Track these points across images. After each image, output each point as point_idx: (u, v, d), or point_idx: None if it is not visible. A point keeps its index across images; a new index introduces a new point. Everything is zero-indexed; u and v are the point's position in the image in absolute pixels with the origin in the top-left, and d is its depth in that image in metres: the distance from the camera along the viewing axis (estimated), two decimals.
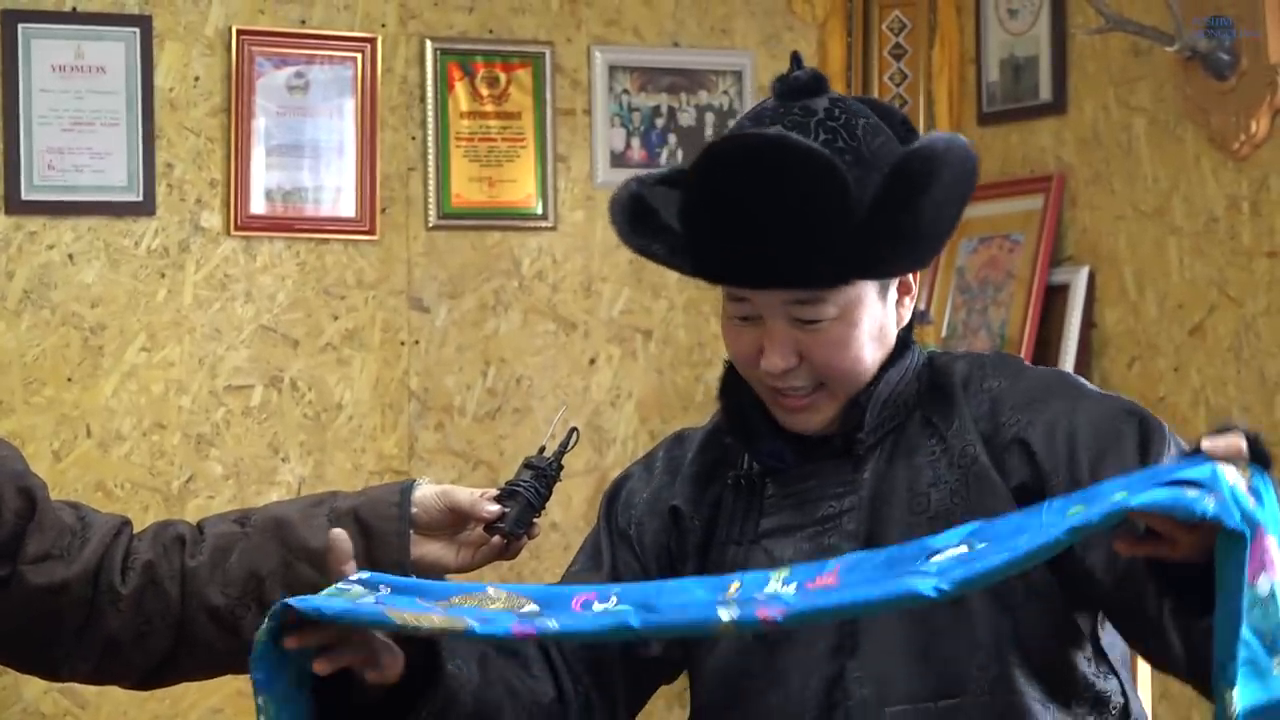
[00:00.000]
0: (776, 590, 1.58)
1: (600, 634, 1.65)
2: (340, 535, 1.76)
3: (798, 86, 1.88)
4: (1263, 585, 1.44)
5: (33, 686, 3.62)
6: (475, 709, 1.83)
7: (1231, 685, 1.43)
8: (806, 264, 1.81)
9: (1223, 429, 1.52)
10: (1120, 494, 1.49)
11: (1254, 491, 1.48)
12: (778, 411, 1.91)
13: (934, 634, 1.83)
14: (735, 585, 1.60)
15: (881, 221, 1.80)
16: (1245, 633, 1.43)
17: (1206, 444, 1.49)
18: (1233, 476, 1.47)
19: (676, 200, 1.87)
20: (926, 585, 1.51)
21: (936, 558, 1.55)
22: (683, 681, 2.07)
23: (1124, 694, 1.89)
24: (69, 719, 3.67)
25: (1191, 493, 1.44)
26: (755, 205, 1.80)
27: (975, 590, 1.57)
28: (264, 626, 1.66)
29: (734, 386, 1.97)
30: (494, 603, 1.70)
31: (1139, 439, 1.79)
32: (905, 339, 1.93)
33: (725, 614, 1.57)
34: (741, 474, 1.97)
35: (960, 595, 1.53)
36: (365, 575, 1.71)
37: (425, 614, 1.65)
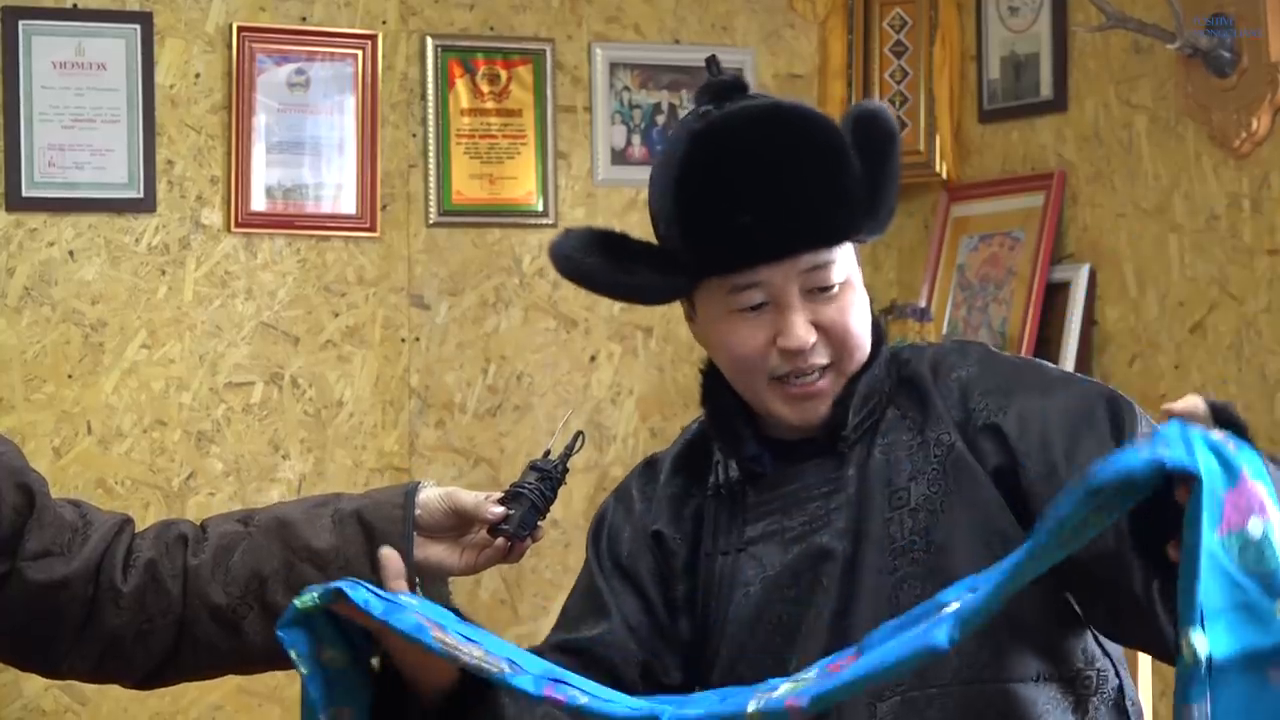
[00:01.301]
0: (803, 685, 1.59)
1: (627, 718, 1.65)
2: (391, 554, 1.78)
3: (734, 85, 1.92)
4: (1254, 527, 1.42)
5: (33, 683, 3.62)
6: None
7: (1191, 624, 1.41)
8: (826, 219, 1.85)
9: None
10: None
11: (1229, 440, 1.47)
12: (785, 406, 1.91)
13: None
14: (755, 702, 1.60)
15: (873, 169, 1.87)
16: (1239, 577, 1.41)
17: (1165, 406, 1.51)
18: (1199, 428, 1.47)
19: (621, 239, 1.89)
20: (940, 638, 1.51)
21: (947, 610, 1.55)
22: None
23: (1119, 675, 1.89)
24: (69, 716, 3.67)
25: (1160, 449, 1.42)
26: (771, 172, 1.83)
27: (982, 621, 1.55)
28: (308, 599, 1.68)
29: (715, 393, 1.98)
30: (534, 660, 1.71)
31: (1110, 417, 1.80)
32: (879, 335, 1.95)
33: (752, 704, 1.57)
34: (720, 484, 1.97)
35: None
36: (415, 601, 1.72)
37: (466, 644, 1.65)
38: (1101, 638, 1.89)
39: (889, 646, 1.56)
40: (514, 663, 1.66)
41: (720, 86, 1.92)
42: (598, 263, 1.88)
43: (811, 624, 1.87)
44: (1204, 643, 1.40)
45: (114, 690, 3.68)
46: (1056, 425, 1.82)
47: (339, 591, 1.66)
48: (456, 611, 1.75)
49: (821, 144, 1.85)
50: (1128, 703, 1.89)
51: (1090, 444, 1.78)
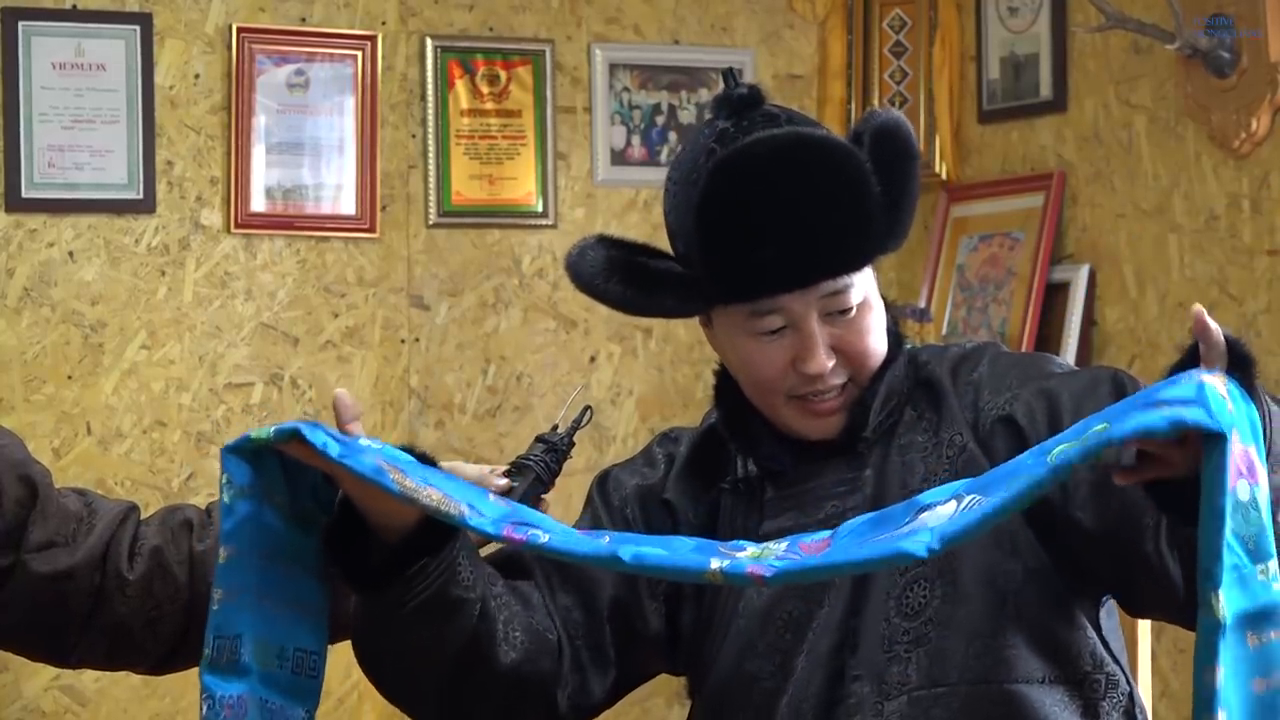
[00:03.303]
0: (768, 555, 1.60)
1: (589, 559, 1.65)
2: (344, 394, 1.76)
3: (751, 99, 1.92)
4: (1242, 491, 1.45)
5: (33, 684, 3.62)
6: (482, 598, 1.83)
7: (1217, 588, 1.43)
8: (847, 248, 1.86)
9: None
10: (1101, 425, 1.51)
11: (1230, 396, 1.49)
12: (801, 421, 1.91)
13: (928, 624, 1.83)
14: (717, 561, 1.61)
15: (892, 189, 1.87)
16: (1229, 538, 1.44)
17: (1197, 309, 1.56)
18: (1213, 381, 1.49)
19: (640, 266, 1.89)
20: (918, 546, 1.53)
21: (925, 514, 1.56)
22: (683, 679, 2.06)
23: (1129, 683, 1.89)
24: (69, 716, 3.67)
25: (1179, 409, 1.46)
26: (793, 206, 1.84)
27: (964, 543, 1.59)
28: (263, 433, 1.67)
29: (728, 394, 1.98)
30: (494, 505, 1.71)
31: (1114, 392, 1.82)
32: (897, 337, 1.95)
33: (715, 563, 1.59)
34: (740, 479, 1.97)
35: (949, 550, 1.56)
36: (376, 443, 1.71)
37: (426, 488, 1.65)
38: (1110, 644, 1.89)
39: (864, 544, 1.57)
40: (473, 507, 1.66)
41: (738, 100, 1.91)
42: (620, 291, 1.89)
43: (823, 622, 1.87)
44: (1222, 603, 1.42)
45: (114, 690, 3.69)
46: (1066, 407, 1.84)
47: (295, 431, 1.65)
48: (417, 455, 1.75)
49: (843, 176, 1.85)
50: (1137, 710, 1.90)
51: (1091, 408, 1.78)
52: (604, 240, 1.92)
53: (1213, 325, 1.56)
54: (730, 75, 1.96)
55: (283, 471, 1.73)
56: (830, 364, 1.87)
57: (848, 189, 1.85)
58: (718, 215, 1.85)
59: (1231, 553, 1.44)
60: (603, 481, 2.05)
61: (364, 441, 1.70)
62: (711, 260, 1.86)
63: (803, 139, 1.87)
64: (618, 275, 1.89)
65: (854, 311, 1.87)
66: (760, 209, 1.84)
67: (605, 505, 2.02)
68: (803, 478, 1.94)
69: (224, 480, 1.69)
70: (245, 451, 1.70)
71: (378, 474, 1.64)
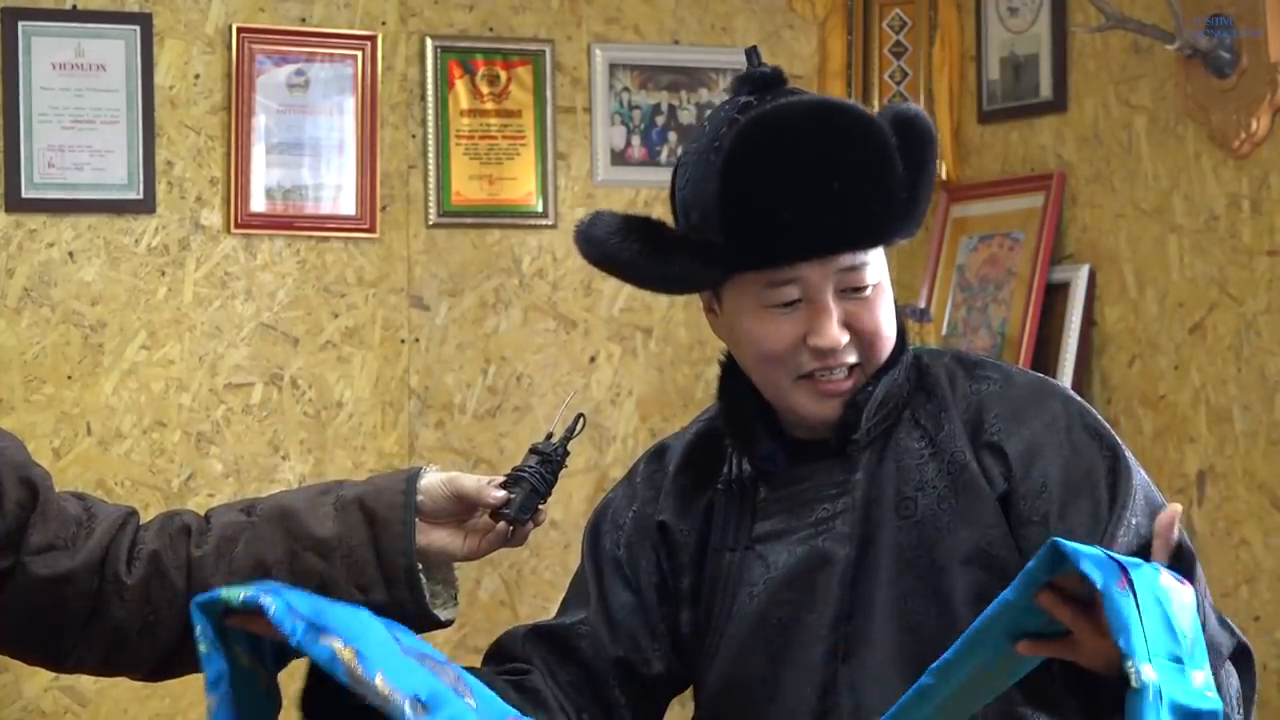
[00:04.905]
0: None
1: None
2: None
3: (774, 77, 1.91)
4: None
5: (33, 684, 3.62)
6: None
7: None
8: (871, 219, 1.84)
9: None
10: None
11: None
12: (809, 402, 1.89)
13: (925, 643, 1.82)
14: None
15: (911, 172, 1.85)
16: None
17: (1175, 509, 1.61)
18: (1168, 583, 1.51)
19: (658, 227, 1.87)
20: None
21: None
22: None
23: None
24: (69, 717, 3.67)
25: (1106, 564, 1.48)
26: (820, 169, 1.81)
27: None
28: (233, 594, 1.66)
29: (732, 387, 1.97)
30: (444, 675, 1.70)
31: (1109, 483, 1.81)
32: (902, 338, 1.94)
33: None
34: (733, 479, 1.96)
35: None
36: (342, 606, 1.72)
37: (374, 678, 1.63)
38: None
39: None
40: (418, 699, 1.63)
41: (760, 78, 1.90)
42: (636, 250, 1.85)
43: (811, 627, 1.87)
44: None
45: (114, 691, 3.69)
46: (1057, 477, 1.83)
47: (259, 607, 1.65)
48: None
49: (871, 144, 1.83)
50: None
51: (1084, 506, 1.80)
52: (612, 211, 1.89)
53: (1173, 533, 1.61)
54: (753, 54, 1.93)
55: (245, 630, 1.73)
56: (843, 340, 1.85)
57: (874, 159, 1.83)
58: (743, 176, 1.82)
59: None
60: (595, 531, 2.03)
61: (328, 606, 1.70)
62: (734, 223, 1.82)
63: (833, 105, 1.87)
64: (635, 235, 1.85)
65: (869, 291, 1.86)
66: (785, 169, 1.81)
67: (594, 561, 2.01)
68: (795, 479, 1.92)
69: (198, 631, 1.69)
70: (212, 609, 1.69)
71: (331, 663, 1.64)
